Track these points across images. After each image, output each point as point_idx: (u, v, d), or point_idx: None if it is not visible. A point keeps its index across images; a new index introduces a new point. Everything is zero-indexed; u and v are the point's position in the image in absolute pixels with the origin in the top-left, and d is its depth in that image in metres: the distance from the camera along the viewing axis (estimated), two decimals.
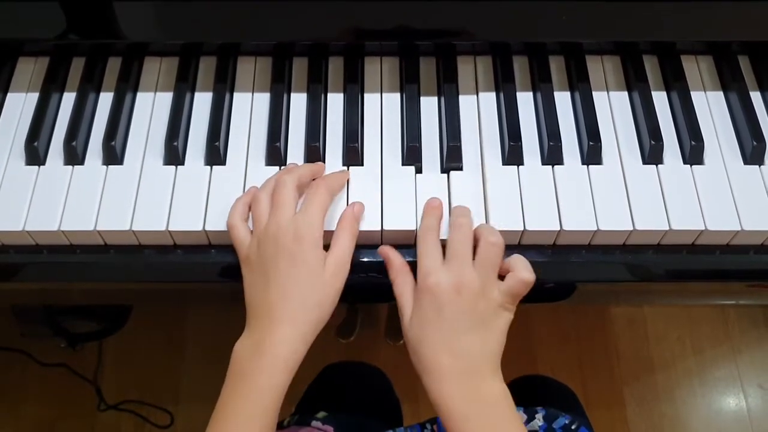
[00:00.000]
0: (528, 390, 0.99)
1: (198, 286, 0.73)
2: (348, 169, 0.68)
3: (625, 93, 0.73)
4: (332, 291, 0.60)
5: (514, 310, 0.60)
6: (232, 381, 0.58)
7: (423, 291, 0.58)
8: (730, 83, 0.73)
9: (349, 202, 0.65)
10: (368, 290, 0.63)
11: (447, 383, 0.56)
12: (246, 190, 0.66)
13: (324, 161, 0.69)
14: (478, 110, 0.71)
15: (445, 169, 0.68)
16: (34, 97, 0.72)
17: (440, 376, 0.56)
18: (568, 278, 0.69)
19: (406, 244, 0.65)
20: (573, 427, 0.76)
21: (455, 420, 0.56)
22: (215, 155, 0.68)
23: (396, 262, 0.62)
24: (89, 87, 0.73)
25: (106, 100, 0.72)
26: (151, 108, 0.72)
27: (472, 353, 0.57)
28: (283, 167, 0.68)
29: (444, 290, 0.57)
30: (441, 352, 0.57)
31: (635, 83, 0.72)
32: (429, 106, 0.72)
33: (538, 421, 0.77)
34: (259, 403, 0.56)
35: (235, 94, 0.73)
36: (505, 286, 0.59)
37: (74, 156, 0.68)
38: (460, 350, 0.57)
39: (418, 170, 0.68)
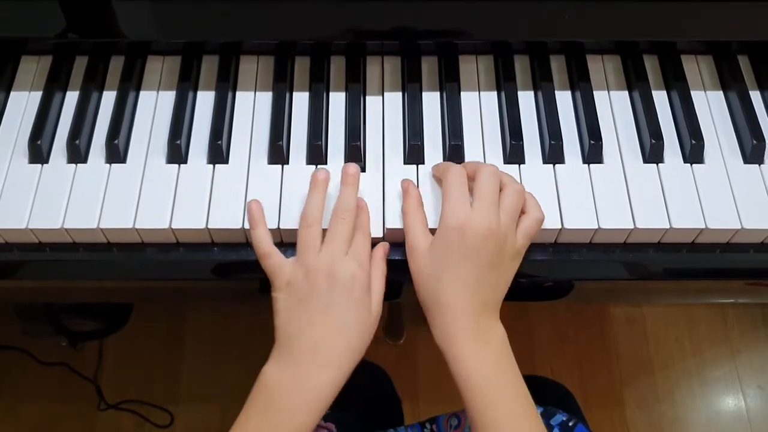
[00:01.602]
0: None
1: (200, 284, 0.74)
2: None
3: (626, 92, 0.73)
4: (372, 334, 0.60)
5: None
6: (264, 410, 0.57)
7: (451, 229, 0.58)
8: (730, 83, 0.73)
9: None
10: None
11: (461, 320, 0.58)
12: (248, 189, 0.66)
13: (326, 160, 0.69)
14: (480, 109, 0.72)
15: None
16: (37, 95, 0.73)
17: (455, 313, 0.58)
18: (569, 276, 0.70)
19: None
20: (570, 424, 0.77)
21: (462, 352, 0.57)
22: (218, 154, 0.68)
23: (415, 195, 0.63)
24: (92, 86, 0.73)
25: (108, 98, 0.73)
26: (154, 107, 0.72)
27: (487, 294, 0.59)
28: (285, 166, 0.68)
29: (473, 233, 0.57)
30: (460, 291, 0.58)
31: (636, 82, 0.73)
32: (431, 105, 0.72)
33: None
34: None
35: (238, 93, 0.73)
36: (523, 228, 0.61)
37: (77, 154, 0.68)
38: (478, 291, 0.58)
39: None
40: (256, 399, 0.58)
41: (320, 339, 0.58)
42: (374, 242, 0.65)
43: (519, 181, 0.66)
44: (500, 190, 0.61)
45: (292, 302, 0.59)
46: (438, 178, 0.65)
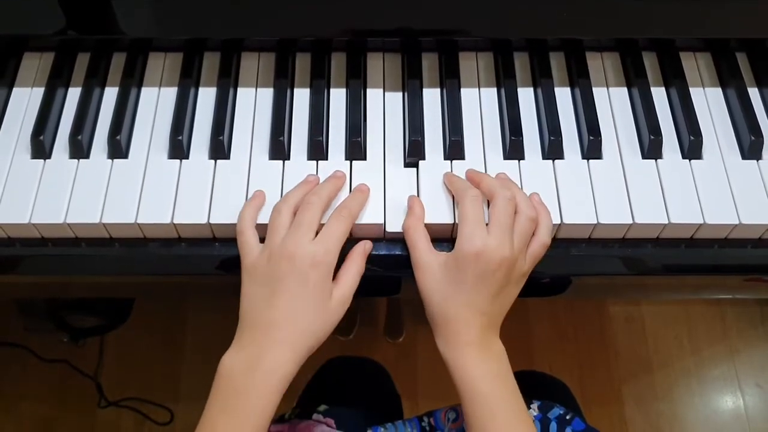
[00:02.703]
0: (522, 385, 0.99)
1: (201, 279, 0.74)
2: (351, 165, 0.68)
3: (625, 89, 0.74)
4: (333, 322, 0.61)
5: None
6: (222, 397, 0.58)
7: (467, 255, 0.59)
8: (728, 79, 0.74)
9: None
10: (368, 284, 0.63)
11: (466, 334, 0.60)
12: (249, 184, 0.67)
13: (327, 156, 0.69)
14: (480, 106, 0.72)
15: None
16: (39, 91, 0.73)
17: (460, 327, 0.60)
18: (568, 272, 0.70)
19: None
20: (567, 417, 0.77)
21: (466, 362, 0.59)
22: (219, 149, 0.68)
23: (418, 213, 0.64)
24: (94, 82, 0.73)
25: (110, 95, 0.73)
26: (156, 103, 0.73)
27: (493, 312, 0.61)
28: (286, 161, 0.68)
29: (488, 259, 0.59)
30: (471, 309, 0.60)
31: (635, 79, 0.73)
32: (431, 102, 0.72)
33: (533, 411, 0.78)
34: (252, 422, 0.57)
35: (239, 90, 0.74)
36: (531, 252, 0.62)
37: (80, 150, 0.69)
38: (486, 310, 0.60)
39: None
40: (216, 387, 0.59)
41: (276, 319, 0.58)
42: (376, 237, 0.66)
43: (520, 183, 0.67)
44: (515, 213, 0.62)
45: (255, 285, 0.60)
46: (447, 186, 0.66)
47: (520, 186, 0.67)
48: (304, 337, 0.59)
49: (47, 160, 0.68)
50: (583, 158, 0.69)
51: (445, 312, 0.60)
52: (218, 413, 0.58)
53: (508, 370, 0.62)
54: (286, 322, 0.58)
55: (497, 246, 0.59)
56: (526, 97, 0.73)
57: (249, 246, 0.62)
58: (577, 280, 0.73)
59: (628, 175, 0.67)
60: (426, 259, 0.62)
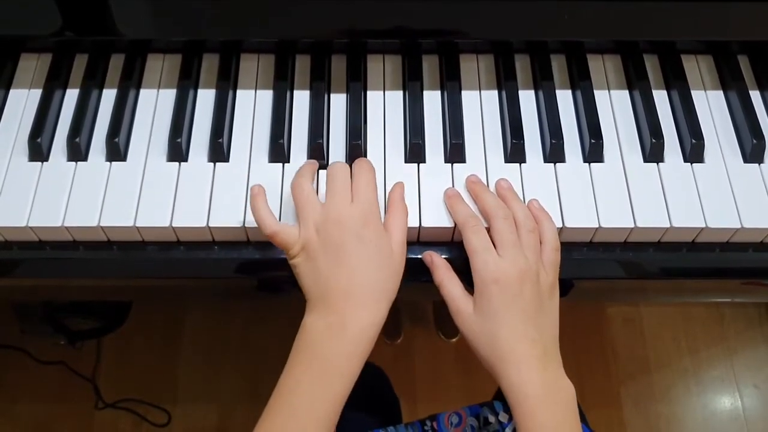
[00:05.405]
0: None
1: (200, 282, 0.73)
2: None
3: (626, 92, 0.73)
4: (400, 270, 0.61)
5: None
6: (307, 359, 0.58)
7: (488, 284, 0.59)
8: (729, 82, 0.73)
9: None
10: None
11: (527, 369, 0.58)
12: (249, 187, 0.66)
13: (327, 159, 0.69)
14: (481, 108, 0.72)
15: None
16: (37, 93, 0.72)
17: (519, 362, 0.58)
18: (569, 275, 0.69)
19: (409, 241, 0.65)
20: None
21: (531, 405, 0.57)
22: (218, 152, 0.68)
23: (441, 264, 0.64)
24: (92, 84, 0.73)
25: (109, 97, 0.73)
26: (154, 105, 0.72)
27: (544, 338, 0.59)
28: (286, 164, 0.68)
29: (508, 279, 0.58)
30: (518, 339, 0.58)
31: (636, 82, 0.73)
32: (432, 104, 0.72)
33: None
34: (341, 385, 0.57)
35: (238, 92, 0.73)
36: (546, 260, 0.61)
37: (77, 152, 0.68)
38: (534, 335, 0.59)
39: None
40: (300, 350, 0.59)
41: (348, 285, 0.58)
42: None
43: (521, 186, 0.67)
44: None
45: (312, 262, 0.60)
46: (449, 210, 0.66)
47: (521, 189, 0.67)
48: (379, 295, 0.59)
49: (45, 163, 0.68)
50: (585, 161, 0.69)
51: (497, 351, 0.59)
52: (303, 374, 0.58)
53: (574, 415, 0.59)
54: (360, 287, 0.58)
55: (511, 263, 0.59)
56: (527, 99, 0.73)
57: (290, 235, 0.61)
58: (577, 283, 0.73)
59: (629, 179, 0.67)
60: (461, 306, 0.61)
